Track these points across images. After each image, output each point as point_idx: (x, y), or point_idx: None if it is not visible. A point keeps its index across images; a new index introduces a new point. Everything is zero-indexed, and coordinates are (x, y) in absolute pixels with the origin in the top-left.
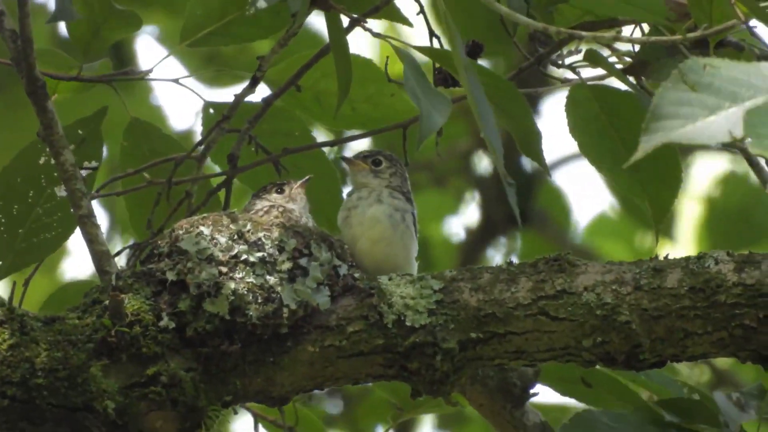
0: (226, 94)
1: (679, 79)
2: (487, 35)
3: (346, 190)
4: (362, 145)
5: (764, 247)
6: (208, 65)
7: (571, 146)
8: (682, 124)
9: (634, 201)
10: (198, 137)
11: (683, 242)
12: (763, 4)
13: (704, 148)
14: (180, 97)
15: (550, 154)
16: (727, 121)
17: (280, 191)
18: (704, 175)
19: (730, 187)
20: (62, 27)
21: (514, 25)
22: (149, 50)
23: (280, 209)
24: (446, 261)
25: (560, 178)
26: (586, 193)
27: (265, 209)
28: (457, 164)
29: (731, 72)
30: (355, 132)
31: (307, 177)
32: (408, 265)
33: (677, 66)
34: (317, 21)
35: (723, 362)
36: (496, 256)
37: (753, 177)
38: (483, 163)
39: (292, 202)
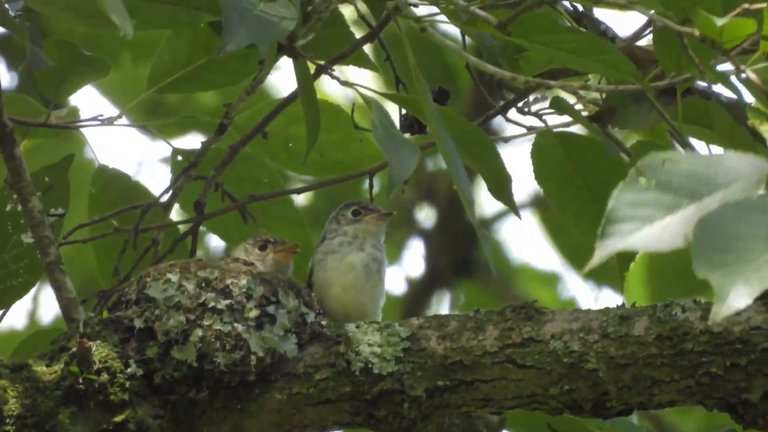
0: (187, 141)
1: (636, 178)
2: (445, 82)
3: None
4: (328, 189)
5: (707, 297)
6: (153, 115)
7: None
8: (638, 227)
9: (577, 251)
10: (161, 185)
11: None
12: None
13: None
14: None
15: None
16: (685, 222)
17: (263, 248)
18: None
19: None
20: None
21: (478, 73)
22: (86, 102)
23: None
24: (389, 312)
25: (502, 231)
26: (525, 246)
27: (233, 259)
28: (400, 215)
29: (691, 166)
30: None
31: (292, 245)
32: (375, 314)
33: (654, 116)
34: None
35: (664, 412)
36: (440, 308)
37: None
38: (426, 214)
39: (263, 263)
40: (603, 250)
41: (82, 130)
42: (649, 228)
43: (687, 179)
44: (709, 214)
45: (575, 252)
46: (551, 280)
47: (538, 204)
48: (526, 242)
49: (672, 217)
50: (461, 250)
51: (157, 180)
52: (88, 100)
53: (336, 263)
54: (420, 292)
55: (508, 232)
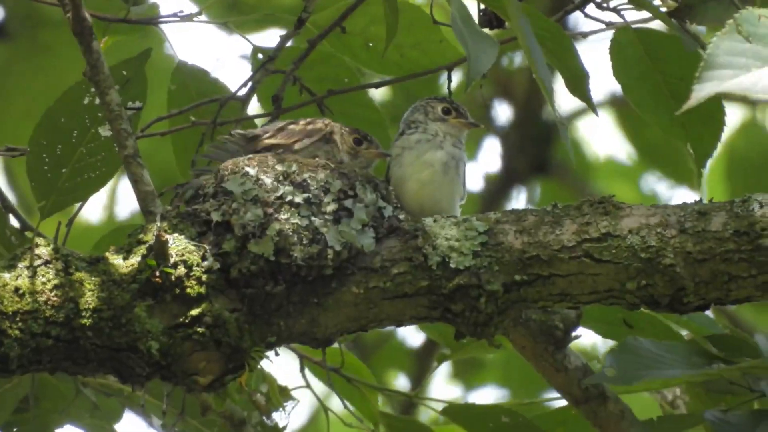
0: (265, 40)
1: (734, 29)
2: None
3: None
4: (406, 87)
5: None
6: (232, 13)
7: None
8: (735, 74)
9: (654, 150)
10: (240, 81)
11: (702, 190)
12: None
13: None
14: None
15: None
16: None
17: (358, 143)
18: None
19: (750, 136)
20: None
21: None
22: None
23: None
24: (465, 210)
25: (579, 128)
26: (603, 143)
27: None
28: (477, 113)
29: None
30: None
31: (384, 152)
32: (452, 212)
33: (723, 12)
34: None
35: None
36: (517, 206)
37: None
38: (503, 112)
39: (351, 155)
40: (700, 93)
41: (163, 27)
42: (746, 75)
43: None
44: None
45: (653, 149)
46: (632, 174)
47: (615, 103)
48: (603, 141)
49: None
50: (538, 149)
51: (236, 78)
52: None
53: (413, 159)
54: (497, 189)
55: (586, 131)
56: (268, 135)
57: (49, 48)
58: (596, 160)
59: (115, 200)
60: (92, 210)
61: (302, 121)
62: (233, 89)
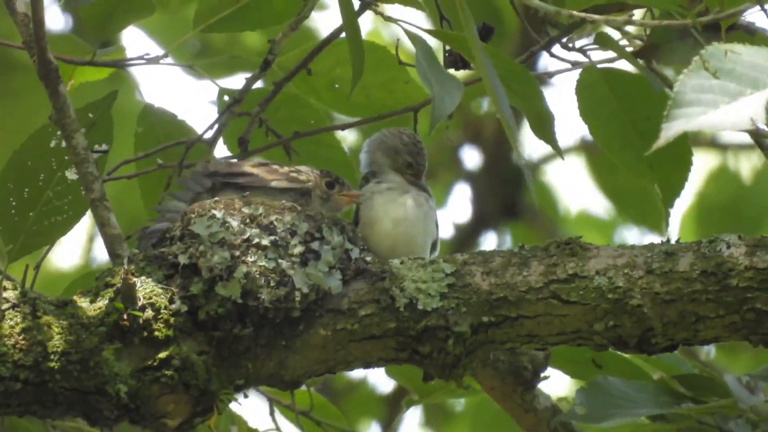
0: (233, 83)
1: (701, 65)
2: (489, 21)
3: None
4: (373, 130)
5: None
6: (199, 57)
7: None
8: (703, 111)
9: (624, 195)
10: (207, 124)
11: (671, 233)
12: None
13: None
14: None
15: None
16: (749, 107)
17: (330, 186)
18: (694, 169)
19: (720, 182)
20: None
21: (523, 9)
22: (135, 44)
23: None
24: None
25: (549, 173)
26: (573, 189)
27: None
28: (446, 157)
29: (753, 58)
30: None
31: (356, 194)
32: (424, 251)
33: (689, 51)
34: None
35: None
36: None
37: (743, 172)
38: (472, 157)
39: (323, 200)
40: (669, 131)
41: (132, 71)
42: (714, 111)
43: (749, 69)
44: None
45: (624, 194)
46: (607, 227)
47: (586, 147)
48: (573, 186)
49: (736, 103)
50: (508, 193)
51: (204, 121)
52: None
53: (384, 200)
54: (467, 235)
55: (556, 176)
56: (251, 164)
57: (18, 93)
58: (567, 211)
59: (92, 244)
60: (66, 255)
61: (288, 168)
62: (200, 130)
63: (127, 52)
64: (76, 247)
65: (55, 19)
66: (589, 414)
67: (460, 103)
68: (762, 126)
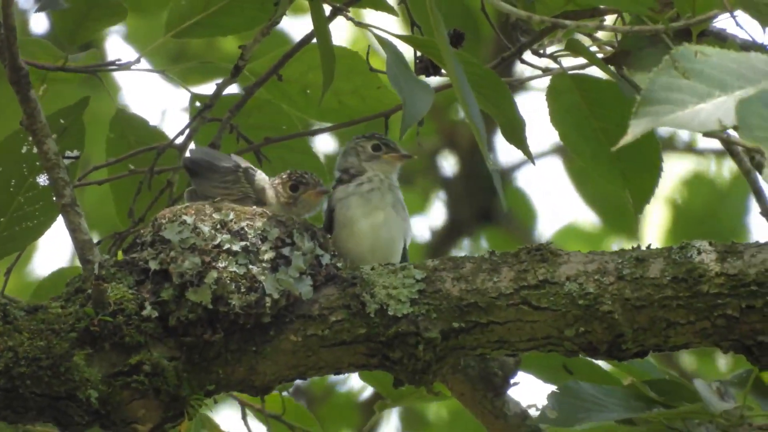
0: (206, 89)
1: (671, 65)
2: (461, 26)
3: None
4: (345, 136)
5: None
6: (173, 63)
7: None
8: (671, 110)
9: (601, 201)
10: (175, 130)
11: (647, 243)
12: None
13: (670, 148)
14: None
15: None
16: (717, 109)
17: (295, 189)
18: (669, 176)
19: (695, 189)
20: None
21: (495, 15)
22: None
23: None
24: (412, 259)
25: (525, 179)
26: (551, 194)
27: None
28: (424, 164)
29: (722, 61)
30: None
31: (323, 188)
32: (398, 254)
33: (660, 57)
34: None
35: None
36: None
37: (718, 178)
38: (449, 163)
39: (294, 204)
40: (637, 127)
41: (105, 77)
42: (682, 111)
43: (718, 71)
44: (750, 97)
45: (598, 200)
46: (596, 239)
47: (563, 152)
48: (552, 191)
49: (705, 104)
50: (483, 199)
51: (178, 126)
52: (114, 47)
53: (362, 202)
54: (442, 240)
55: (534, 182)
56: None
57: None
58: (546, 219)
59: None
60: (45, 261)
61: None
62: (172, 136)
63: (106, 56)
64: (56, 255)
65: (38, 23)
66: (560, 418)
67: (436, 109)
68: (730, 130)
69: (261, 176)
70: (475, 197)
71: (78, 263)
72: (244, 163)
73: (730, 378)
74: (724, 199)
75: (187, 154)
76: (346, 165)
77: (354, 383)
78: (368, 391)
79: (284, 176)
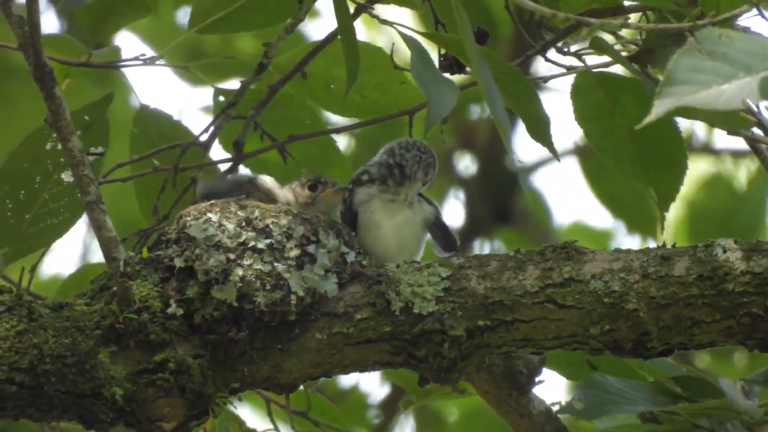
0: (228, 86)
1: (695, 46)
2: (484, 25)
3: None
4: (368, 132)
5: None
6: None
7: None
8: (696, 90)
9: (618, 201)
10: (202, 127)
11: (665, 237)
12: None
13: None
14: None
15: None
16: (741, 89)
17: (313, 188)
18: (687, 177)
19: (712, 190)
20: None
21: (518, 13)
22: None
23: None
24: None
25: (542, 179)
26: (567, 195)
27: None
28: (440, 163)
29: (746, 44)
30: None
31: (342, 186)
32: (420, 249)
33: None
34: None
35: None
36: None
37: (736, 178)
38: (465, 163)
39: (313, 203)
40: (661, 107)
41: (126, 73)
42: (706, 91)
43: (742, 54)
44: None
45: (615, 200)
46: (604, 237)
47: (580, 152)
48: (567, 192)
49: (728, 85)
50: (501, 199)
51: (198, 123)
52: (129, 48)
53: (384, 204)
54: (460, 239)
55: (550, 182)
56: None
57: (14, 100)
58: (561, 218)
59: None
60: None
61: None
62: (196, 133)
63: (122, 53)
64: (73, 253)
65: (48, 22)
66: (586, 409)
67: (454, 108)
68: (755, 128)
69: (264, 179)
70: (492, 197)
71: (90, 261)
72: (246, 177)
73: (753, 376)
74: (742, 200)
75: (199, 188)
76: (373, 172)
77: (365, 384)
78: (382, 392)
79: (303, 179)
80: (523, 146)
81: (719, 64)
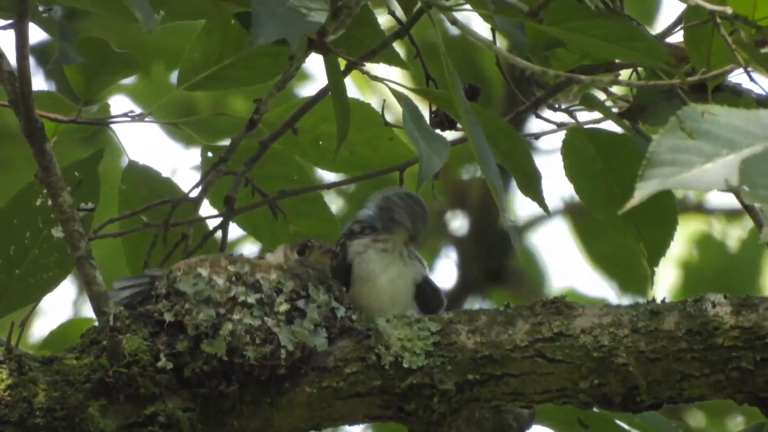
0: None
1: (677, 125)
2: (475, 82)
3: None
4: (358, 189)
5: None
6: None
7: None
8: (678, 171)
9: (609, 260)
10: (192, 183)
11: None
12: (763, 51)
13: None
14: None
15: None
16: (724, 168)
17: (301, 253)
18: (679, 236)
19: (705, 250)
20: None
21: (509, 70)
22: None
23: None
24: None
25: (535, 239)
26: (560, 254)
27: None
28: (433, 223)
29: (730, 119)
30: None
31: (330, 249)
32: (409, 302)
33: (675, 112)
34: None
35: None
36: None
37: (728, 241)
38: (458, 222)
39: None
40: (644, 190)
41: (117, 132)
42: (689, 172)
43: (726, 130)
44: (754, 156)
45: (607, 260)
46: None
47: (570, 210)
48: (558, 251)
49: (712, 164)
50: (493, 258)
51: (191, 183)
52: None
53: (380, 256)
54: (452, 299)
55: (541, 241)
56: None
57: (6, 162)
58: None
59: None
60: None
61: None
62: (185, 189)
63: (110, 112)
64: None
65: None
66: None
67: (445, 167)
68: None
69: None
70: (484, 257)
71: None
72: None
73: (746, 429)
74: (735, 260)
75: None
76: (365, 219)
77: None
78: None
79: (291, 245)
80: (517, 204)
81: (701, 143)
